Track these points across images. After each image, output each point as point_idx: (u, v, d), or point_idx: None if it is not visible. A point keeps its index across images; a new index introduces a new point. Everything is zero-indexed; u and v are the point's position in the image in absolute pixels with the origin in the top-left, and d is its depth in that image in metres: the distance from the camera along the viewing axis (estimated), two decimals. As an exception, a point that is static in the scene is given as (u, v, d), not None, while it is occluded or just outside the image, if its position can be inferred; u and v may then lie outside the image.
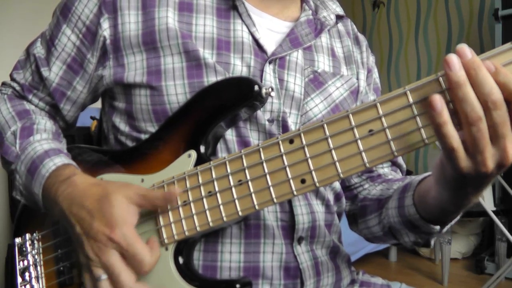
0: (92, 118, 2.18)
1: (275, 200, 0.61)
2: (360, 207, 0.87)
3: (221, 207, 0.64)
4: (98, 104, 0.93)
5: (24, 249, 0.82)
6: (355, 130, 0.57)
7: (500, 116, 0.48)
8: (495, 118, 0.48)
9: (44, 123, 0.82)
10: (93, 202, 0.65)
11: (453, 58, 0.50)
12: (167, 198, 0.65)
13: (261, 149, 0.63)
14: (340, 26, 0.92)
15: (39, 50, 0.82)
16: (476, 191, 0.57)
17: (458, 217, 0.69)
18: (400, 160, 0.94)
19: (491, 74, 0.49)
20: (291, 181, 0.60)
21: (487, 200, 2.69)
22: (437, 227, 0.69)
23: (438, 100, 0.50)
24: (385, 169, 0.92)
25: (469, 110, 0.49)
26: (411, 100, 0.54)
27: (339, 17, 0.90)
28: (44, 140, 0.77)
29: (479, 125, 0.49)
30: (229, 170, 0.64)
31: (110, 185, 0.67)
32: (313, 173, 0.59)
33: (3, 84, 0.89)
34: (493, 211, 2.49)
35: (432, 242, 0.75)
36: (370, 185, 0.89)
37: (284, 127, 0.76)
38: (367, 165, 0.56)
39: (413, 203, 0.70)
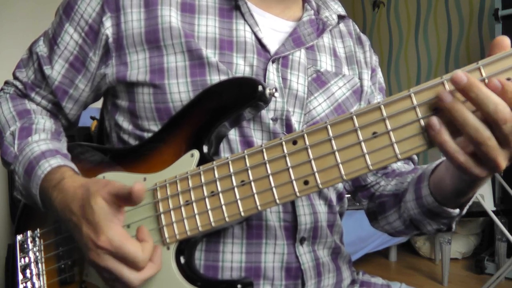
0: (92, 118, 2.17)
1: (278, 201, 0.61)
2: (378, 204, 0.88)
3: (224, 207, 0.64)
4: (98, 104, 0.93)
5: (25, 246, 0.82)
6: (359, 132, 0.57)
7: (510, 127, 0.49)
8: (505, 130, 0.49)
9: (43, 123, 0.82)
10: (79, 207, 0.65)
11: (442, 92, 0.51)
12: (130, 198, 0.61)
13: (264, 150, 0.63)
14: (341, 26, 0.92)
15: (42, 49, 0.83)
16: (490, 176, 0.59)
17: (474, 197, 0.70)
18: None
19: (498, 93, 0.49)
20: (294, 182, 0.60)
21: (487, 200, 2.69)
22: (457, 211, 0.70)
23: (436, 121, 0.52)
24: (398, 163, 0.92)
25: (473, 133, 0.50)
26: (415, 102, 0.54)
27: (341, 17, 0.91)
28: (42, 141, 0.77)
29: (487, 143, 0.50)
30: (232, 170, 0.64)
31: (92, 186, 0.65)
32: (316, 174, 0.59)
33: (6, 83, 0.90)
34: (493, 211, 2.49)
35: (454, 226, 0.76)
36: (386, 181, 0.90)
37: (288, 126, 0.76)
38: (371, 167, 0.56)
39: (430, 193, 0.70)
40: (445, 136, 0.52)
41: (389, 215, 0.84)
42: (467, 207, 0.71)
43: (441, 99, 0.51)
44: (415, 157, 0.95)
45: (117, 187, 0.63)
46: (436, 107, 0.52)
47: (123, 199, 0.62)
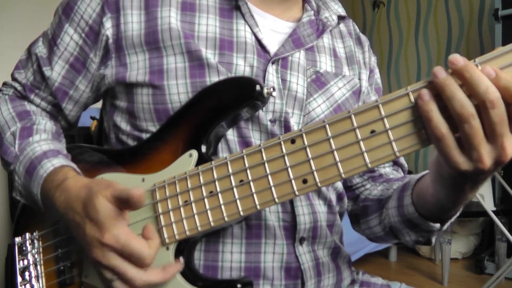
0: (92, 118, 2.18)
1: (276, 200, 0.61)
2: (361, 207, 0.88)
3: (223, 207, 0.64)
4: (98, 104, 0.93)
5: (24, 248, 0.82)
6: (357, 130, 0.56)
7: (498, 115, 0.48)
8: (492, 117, 0.48)
9: (44, 124, 0.82)
10: (81, 207, 0.64)
11: (438, 68, 0.51)
12: (130, 203, 0.61)
13: (262, 150, 0.62)
14: (342, 26, 0.92)
15: (41, 50, 0.82)
16: (473, 187, 0.58)
17: (458, 214, 0.69)
18: (401, 159, 0.95)
19: (492, 80, 0.49)
20: (292, 181, 0.60)
21: (487, 200, 2.69)
22: (437, 225, 0.69)
23: (426, 92, 0.52)
24: (386, 169, 0.92)
25: (458, 108, 0.49)
26: (413, 100, 0.54)
27: (341, 18, 0.91)
28: (43, 141, 0.77)
29: (471, 122, 0.49)
30: (230, 170, 0.64)
31: (95, 186, 0.65)
32: (315, 173, 0.59)
33: (4, 84, 0.89)
34: (493, 211, 2.49)
35: (433, 240, 0.75)
36: (372, 185, 0.90)
37: (286, 128, 0.76)
38: (369, 165, 0.56)
39: (412, 202, 0.70)
40: (432, 106, 0.51)
41: (370, 219, 0.84)
42: (448, 223, 0.70)
43: (435, 75, 0.51)
44: (405, 164, 0.96)
45: (119, 190, 0.62)
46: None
47: (123, 203, 0.62)
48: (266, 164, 0.62)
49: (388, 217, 0.77)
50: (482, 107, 0.49)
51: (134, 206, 0.61)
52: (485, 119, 0.49)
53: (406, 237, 0.76)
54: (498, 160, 0.51)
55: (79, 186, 0.67)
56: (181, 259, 0.67)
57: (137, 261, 0.61)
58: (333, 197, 0.84)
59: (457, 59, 0.50)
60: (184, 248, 0.68)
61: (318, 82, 0.81)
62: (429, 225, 0.69)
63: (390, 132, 0.55)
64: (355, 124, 0.57)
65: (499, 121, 0.49)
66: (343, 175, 0.58)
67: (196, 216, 0.66)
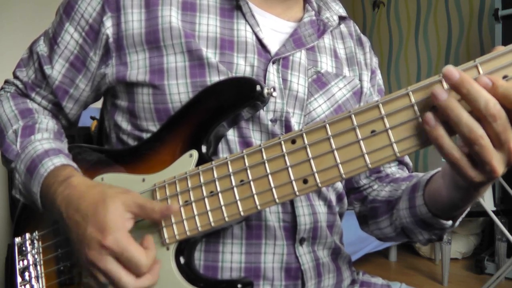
0: (92, 118, 2.18)
1: (277, 200, 0.61)
2: (370, 208, 0.87)
3: (223, 207, 0.64)
4: (98, 104, 0.93)
5: (24, 248, 0.82)
6: (357, 130, 0.56)
7: (501, 125, 0.49)
8: (495, 128, 0.49)
9: (46, 123, 0.82)
10: (88, 205, 0.65)
11: (437, 89, 0.51)
12: (163, 213, 0.64)
13: (263, 149, 0.62)
14: (342, 27, 0.92)
15: (42, 48, 0.82)
16: (487, 187, 0.59)
17: (468, 209, 0.70)
18: (406, 158, 0.95)
19: (489, 89, 0.49)
20: (293, 182, 0.60)
21: (487, 200, 2.69)
22: (450, 222, 0.69)
23: (431, 117, 0.51)
24: (392, 169, 0.93)
25: (467, 132, 0.49)
26: (413, 100, 0.53)
27: (341, 18, 0.90)
28: (45, 140, 0.77)
29: (481, 143, 0.49)
30: (230, 170, 0.64)
31: (109, 189, 0.66)
32: (316, 174, 0.59)
33: (6, 82, 0.89)
34: (493, 211, 2.49)
35: (445, 237, 0.76)
36: (379, 186, 0.90)
37: (287, 127, 0.76)
38: (370, 166, 0.56)
39: (424, 203, 0.70)
40: (441, 131, 0.51)
41: (380, 221, 0.84)
42: (460, 219, 0.71)
43: (436, 97, 0.51)
44: (410, 163, 0.95)
45: (144, 198, 0.65)
46: (434, 105, 0.52)
47: (146, 213, 0.65)
48: (266, 164, 0.62)
49: (400, 218, 0.77)
50: (484, 121, 0.49)
51: (164, 216, 0.66)
52: (489, 130, 0.49)
53: (419, 236, 0.76)
54: (508, 163, 0.52)
55: (87, 185, 0.68)
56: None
57: (134, 269, 0.62)
58: (333, 197, 0.84)
59: (452, 72, 0.50)
60: (185, 248, 0.68)
61: (319, 82, 0.81)
62: (442, 223, 0.69)
63: (390, 132, 0.55)
64: (355, 124, 0.57)
65: (503, 130, 0.49)
66: (343, 176, 0.58)
67: (196, 217, 0.66)
